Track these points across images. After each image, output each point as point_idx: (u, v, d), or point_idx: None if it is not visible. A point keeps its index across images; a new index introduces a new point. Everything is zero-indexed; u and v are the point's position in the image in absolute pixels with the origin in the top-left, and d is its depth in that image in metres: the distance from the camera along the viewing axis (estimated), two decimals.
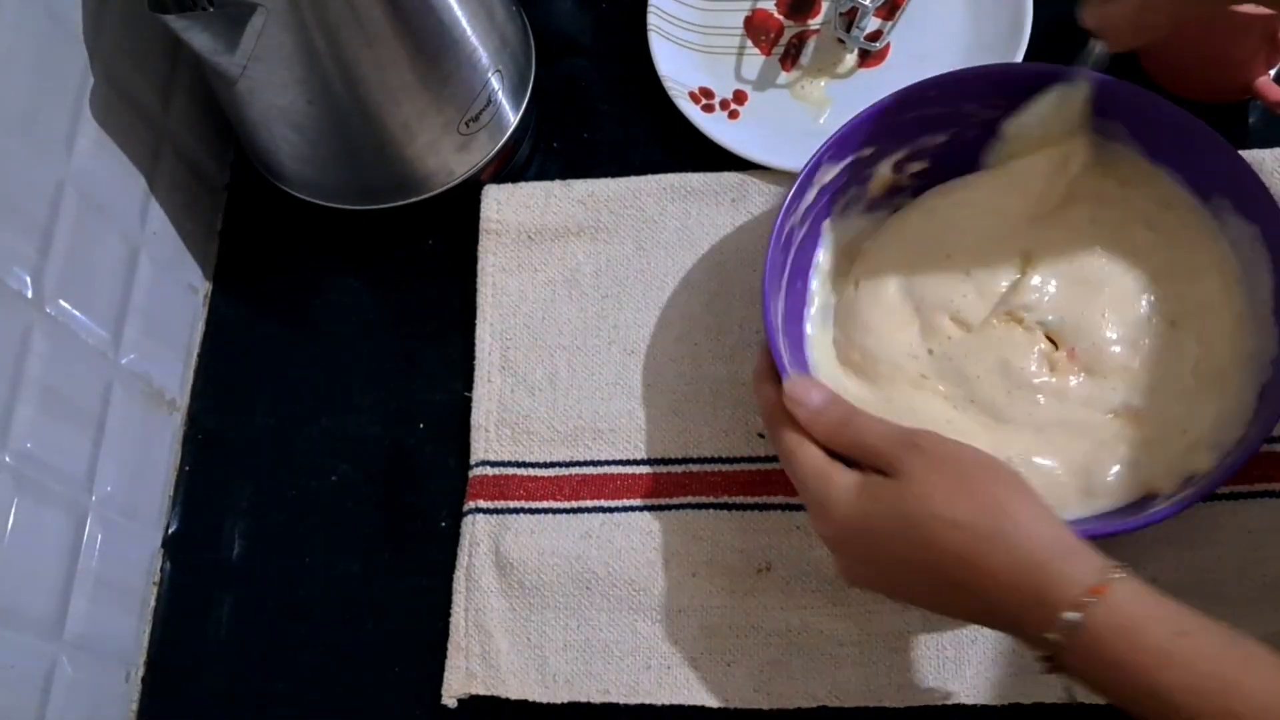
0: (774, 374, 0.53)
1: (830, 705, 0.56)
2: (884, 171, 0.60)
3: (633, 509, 0.60)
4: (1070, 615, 0.42)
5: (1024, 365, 0.57)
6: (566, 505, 0.60)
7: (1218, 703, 0.40)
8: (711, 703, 0.56)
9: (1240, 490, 0.56)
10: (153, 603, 0.63)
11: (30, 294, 0.54)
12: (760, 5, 0.71)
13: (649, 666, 0.57)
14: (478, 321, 0.65)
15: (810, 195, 0.58)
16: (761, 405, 0.54)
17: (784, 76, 0.69)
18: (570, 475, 0.61)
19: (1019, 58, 0.65)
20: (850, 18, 0.67)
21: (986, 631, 0.56)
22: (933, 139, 0.60)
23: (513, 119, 0.66)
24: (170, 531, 0.64)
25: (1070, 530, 0.45)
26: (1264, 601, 0.55)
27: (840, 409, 0.51)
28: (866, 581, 0.51)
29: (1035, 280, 0.58)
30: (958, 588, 0.46)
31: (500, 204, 0.67)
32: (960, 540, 0.45)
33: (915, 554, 0.46)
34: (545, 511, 0.60)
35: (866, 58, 0.69)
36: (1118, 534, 0.50)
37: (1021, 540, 0.44)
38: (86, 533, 0.58)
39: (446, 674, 0.58)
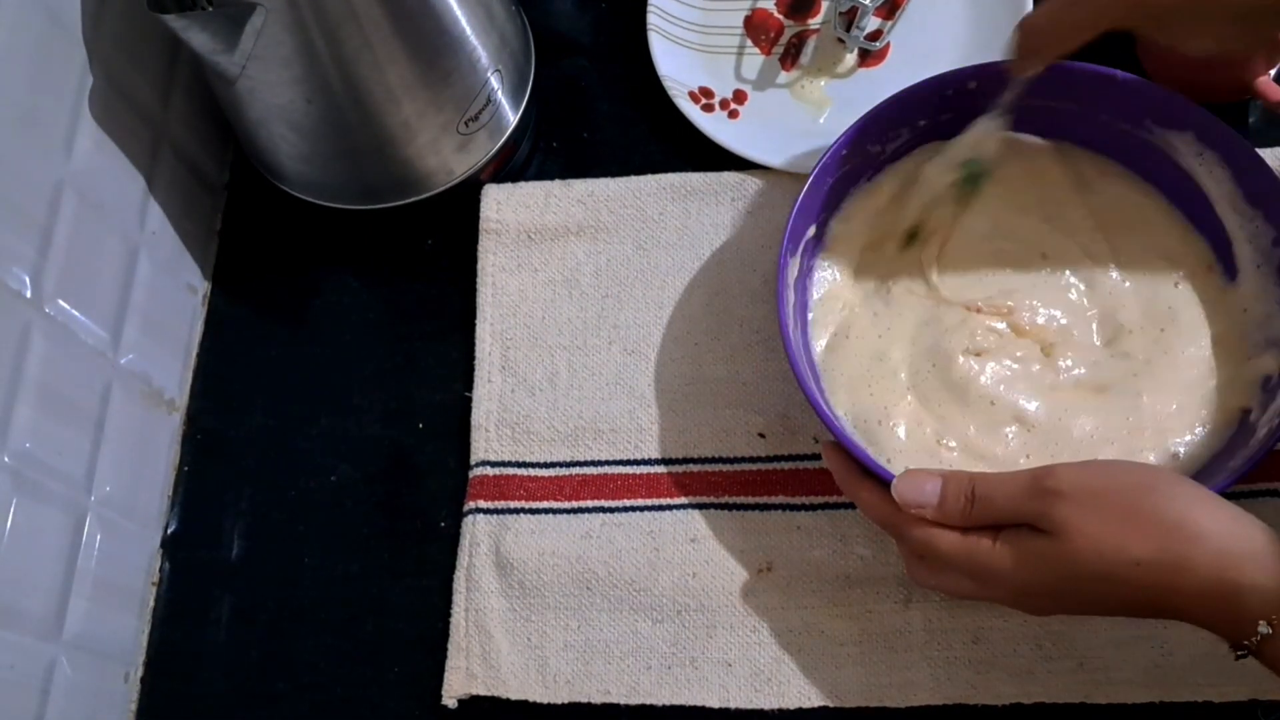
0: (857, 473, 0.52)
1: (830, 705, 0.56)
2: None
3: (633, 509, 0.60)
4: (1264, 628, 0.42)
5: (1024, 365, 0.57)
6: (567, 505, 0.60)
7: None
8: (711, 703, 0.56)
9: (1240, 490, 0.56)
10: (152, 603, 0.62)
11: (29, 294, 0.54)
12: (760, 5, 0.71)
13: (649, 667, 0.57)
14: (478, 321, 0.65)
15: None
16: (871, 514, 0.52)
17: (784, 76, 0.69)
18: (570, 475, 0.61)
19: None
20: (850, 17, 0.67)
21: (988, 631, 0.56)
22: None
23: (512, 118, 0.66)
24: (169, 531, 0.64)
25: (1248, 521, 0.44)
26: None
27: (958, 489, 0.48)
28: (1050, 614, 0.50)
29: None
30: (1152, 610, 0.45)
31: (500, 204, 0.67)
32: (1146, 576, 0.44)
33: (1104, 596, 0.46)
34: (545, 512, 0.60)
35: (866, 57, 0.69)
36: (1251, 469, 0.50)
37: (1208, 560, 0.43)
38: (85, 533, 0.58)
39: (447, 674, 0.58)
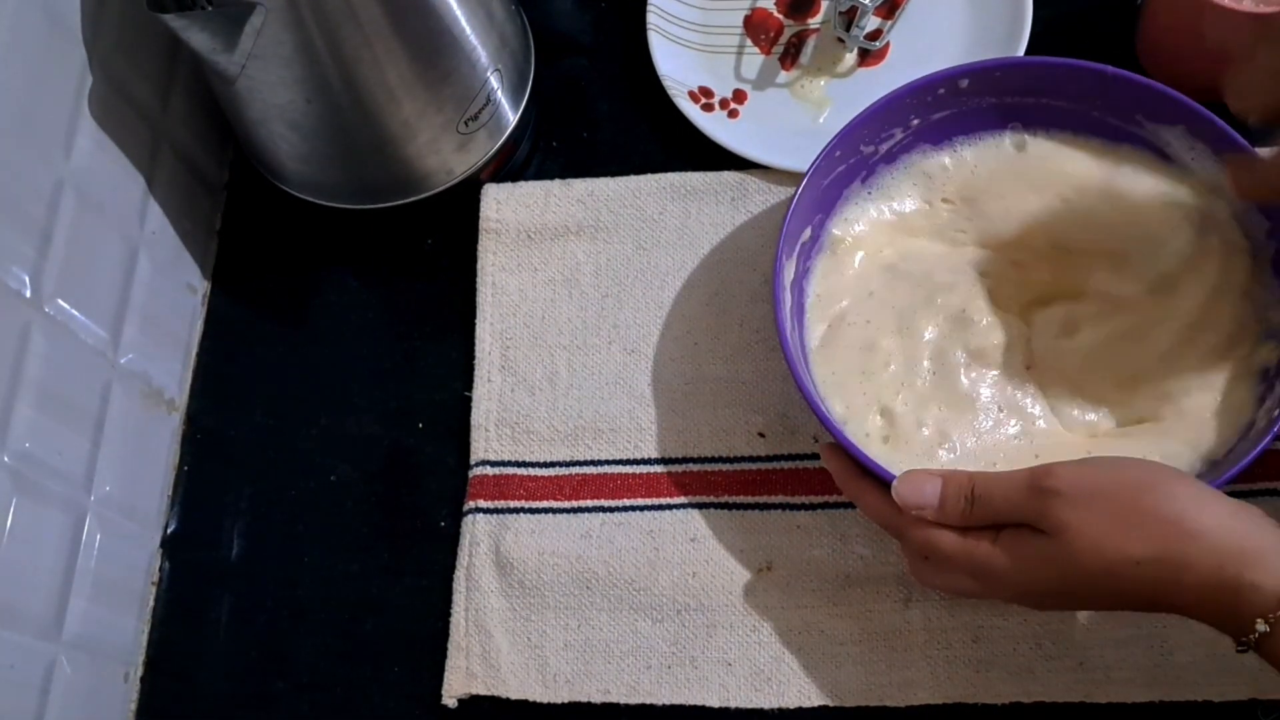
0: (856, 473, 0.52)
1: (830, 705, 0.56)
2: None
3: (633, 509, 0.60)
4: (1262, 626, 0.42)
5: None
6: (566, 505, 0.60)
7: None
8: (711, 703, 0.56)
9: (1240, 489, 0.56)
10: (151, 602, 0.62)
11: (29, 293, 0.54)
12: (760, 4, 0.71)
13: (649, 666, 0.57)
14: (477, 321, 0.65)
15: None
16: (872, 515, 0.52)
17: (784, 76, 0.69)
18: (570, 475, 0.61)
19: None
20: (850, 17, 0.67)
21: (988, 630, 0.56)
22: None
23: (512, 118, 0.66)
24: (169, 531, 0.64)
25: (1248, 518, 0.44)
26: None
27: (958, 490, 0.48)
28: (1051, 610, 0.51)
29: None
30: (1152, 606, 0.45)
31: (500, 203, 0.67)
32: (1145, 574, 0.44)
33: (1104, 594, 0.46)
34: (545, 511, 0.60)
35: (866, 57, 0.69)
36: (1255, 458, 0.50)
37: (1206, 558, 0.43)
38: (85, 532, 0.57)
39: (446, 674, 0.58)
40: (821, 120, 0.68)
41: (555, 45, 0.71)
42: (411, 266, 0.68)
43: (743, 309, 0.63)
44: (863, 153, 0.59)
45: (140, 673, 0.61)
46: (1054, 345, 0.57)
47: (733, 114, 0.68)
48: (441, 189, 0.66)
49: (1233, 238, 0.57)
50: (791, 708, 0.56)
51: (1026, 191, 0.59)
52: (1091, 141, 0.59)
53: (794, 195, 0.56)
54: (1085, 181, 0.59)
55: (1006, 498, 0.47)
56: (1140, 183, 0.59)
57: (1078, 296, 0.58)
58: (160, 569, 0.63)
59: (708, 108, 0.68)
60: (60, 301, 0.56)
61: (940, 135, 0.60)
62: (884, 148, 0.60)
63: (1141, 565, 0.44)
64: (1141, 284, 0.57)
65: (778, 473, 0.60)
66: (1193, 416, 0.54)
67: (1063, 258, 0.59)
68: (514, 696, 0.57)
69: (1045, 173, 0.59)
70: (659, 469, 0.61)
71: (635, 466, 0.61)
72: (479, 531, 0.60)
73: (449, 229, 0.68)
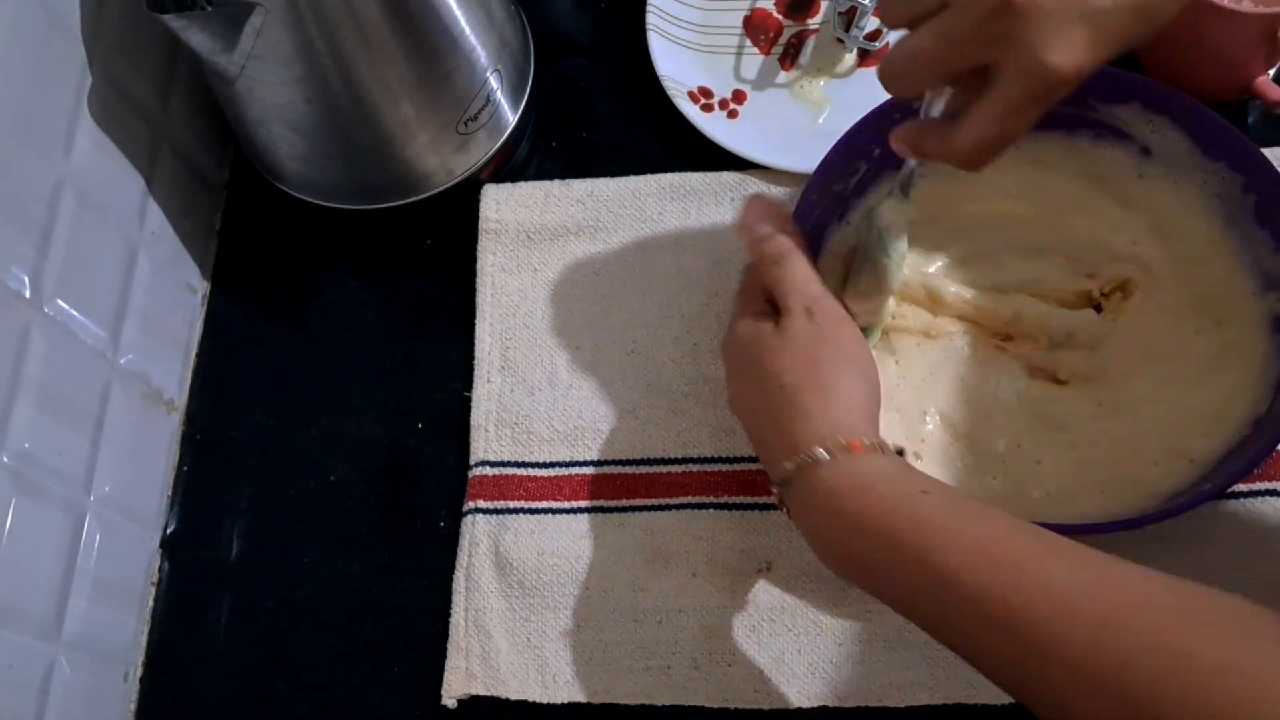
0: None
1: (830, 705, 0.56)
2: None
3: (633, 509, 0.60)
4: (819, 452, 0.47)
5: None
6: (566, 505, 0.60)
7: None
8: (711, 703, 0.56)
9: (1240, 490, 0.56)
10: (151, 603, 0.62)
11: (29, 294, 0.54)
12: (759, 5, 0.71)
13: (649, 667, 0.57)
14: (477, 321, 0.65)
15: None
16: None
17: (783, 76, 0.69)
18: (570, 475, 0.61)
19: None
20: (849, 17, 0.67)
21: None
22: None
23: (511, 118, 0.66)
24: (169, 531, 0.64)
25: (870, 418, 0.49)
26: (1263, 601, 0.54)
27: (778, 247, 0.52)
28: (734, 401, 0.54)
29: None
30: (778, 412, 0.49)
31: (499, 203, 0.67)
32: (785, 384, 0.49)
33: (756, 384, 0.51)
34: (545, 512, 0.60)
35: (866, 57, 0.69)
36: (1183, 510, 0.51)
37: (832, 403, 0.48)
38: (85, 533, 0.58)
39: (446, 674, 0.58)
40: (821, 121, 0.68)
41: (555, 45, 0.71)
42: (411, 266, 0.68)
43: None
44: (835, 192, 0.60)
45: (140, 673, 0.61)
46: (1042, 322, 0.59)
47: (732, 114, 0.68)
48: (441, 189, 0.66)
49: (1204, 200, 0.58)
50: (791, 708, 0.56)
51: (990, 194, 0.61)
52: (1051, 135, 0.60)
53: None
54: (1049, 177, 0.60)
55: (791, 284, 0.52)
56: (1106, 166, 0.60)
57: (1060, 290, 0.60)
58: (160, 569, 0.63)
59: (707, 108, 0.68)
60: (60, 302, 0.56)
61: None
62: (854, 183, 0.60)
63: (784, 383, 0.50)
64: (1126, 266, 0.59)
65: None
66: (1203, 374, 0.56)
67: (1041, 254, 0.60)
68: (514, 697, 0.57)
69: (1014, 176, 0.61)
70: (658, 469, 0.61)
71: (635, 467, 0.61)
72: (479, 532, 0.60)
73: (449, 229, 0.68)
